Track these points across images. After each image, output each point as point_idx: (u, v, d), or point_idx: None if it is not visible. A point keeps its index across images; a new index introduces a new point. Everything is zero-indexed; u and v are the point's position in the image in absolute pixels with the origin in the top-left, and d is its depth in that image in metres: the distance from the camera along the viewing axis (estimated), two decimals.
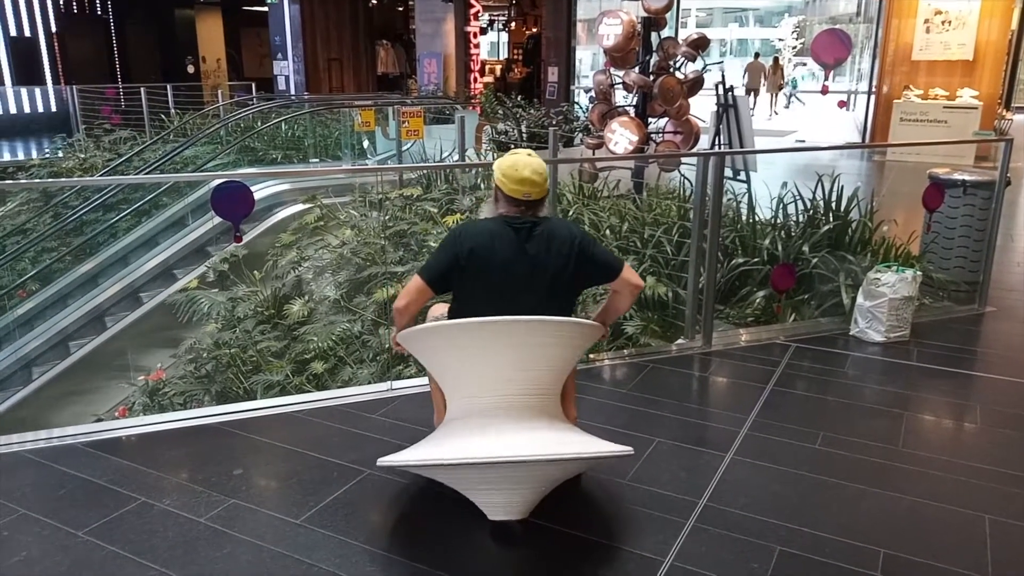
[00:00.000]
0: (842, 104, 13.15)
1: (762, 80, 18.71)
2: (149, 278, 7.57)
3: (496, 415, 2.31)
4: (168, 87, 12.89)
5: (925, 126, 11.14)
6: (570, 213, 5.43)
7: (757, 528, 2.49)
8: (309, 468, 2.82)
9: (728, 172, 7.30)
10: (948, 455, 3.01)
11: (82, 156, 10.16)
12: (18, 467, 2.83)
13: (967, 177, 4.91)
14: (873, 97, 12.18)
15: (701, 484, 2.74)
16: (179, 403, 4.83)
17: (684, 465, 2.89)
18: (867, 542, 2.42)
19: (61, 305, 7.54)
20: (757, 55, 20.28)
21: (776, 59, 20.10)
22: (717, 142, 7.47)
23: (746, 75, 18.32)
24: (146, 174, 8.50)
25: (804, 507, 2.61)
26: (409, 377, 3.95)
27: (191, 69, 18.75)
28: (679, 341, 4.19)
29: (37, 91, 16.35)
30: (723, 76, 7.43)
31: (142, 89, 11.94)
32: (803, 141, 13.06)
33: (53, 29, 16.83)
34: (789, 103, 19.91)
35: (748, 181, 6.77)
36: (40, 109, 16.40)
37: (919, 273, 4.31)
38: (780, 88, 19.60)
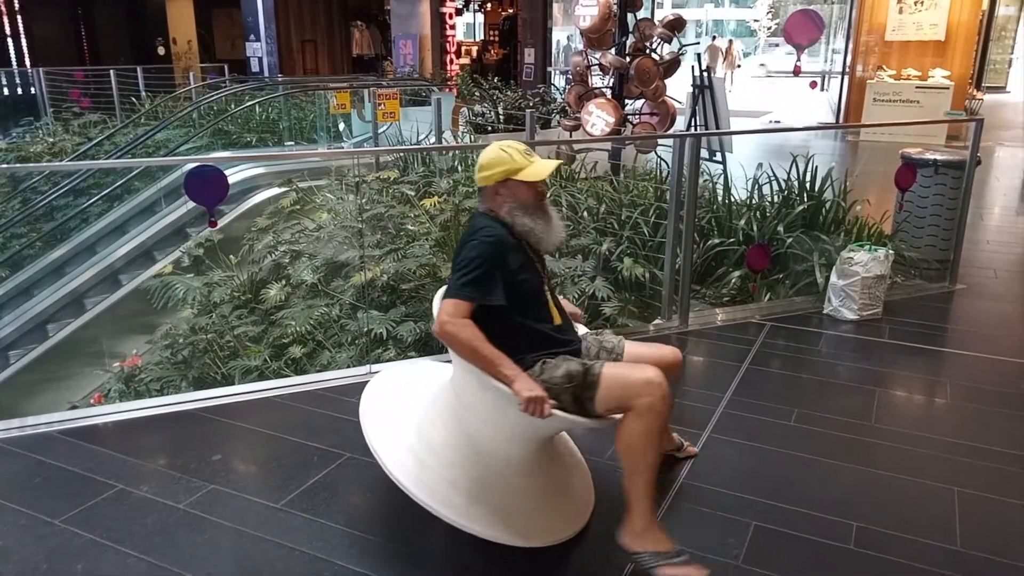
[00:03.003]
0: (813, 85, 13.25)
1: (720, 61, 19.68)
2: (128, 260, 7.47)
3: None
4: (138, 69, 12.63)
5: (898, 106, 11.25)
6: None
7: (733, 504, 2.53)
8: (289, 452, 2.82)
9: (704, 153, 7.35)
10: (919, 430, 3.07)
11: (51, 140, 9.96)
12: None
13: (938, 157, 4.98)
14: (847, 78, 12.27)
15: (678, 462, 2.77)
16: (156, 389, 4.78)
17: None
18: (840, 516, 2.47)
19: (34, 291, 7.42)
20: (715, 37, 21.37)
21: (731, 41, 21.26)
22: (693, 123, 7.50)
23: (706, 55, 18.87)
24: (117, 158, 8.36)
25: (779, 483, 2.66)
26: (388, 360, 3.94)
27: (161, 51, 18.40)
28: (656, 321, 4.22)
29: (2, 73, 15.96)
30: (699, 57, 7.45)
31: (111, 71, 11.72)
32: (778, 122, 13.13)
33: (17, 8, 16.42)
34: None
35: (724, 162, 6.82)
36: (5, 92, 16.01)
37: (891, 252, 4.38)
38: (735, 68, 21.28)
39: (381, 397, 2.52)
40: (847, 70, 12.25)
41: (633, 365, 2.19)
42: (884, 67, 11.67)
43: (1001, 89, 20.54)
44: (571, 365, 2.15)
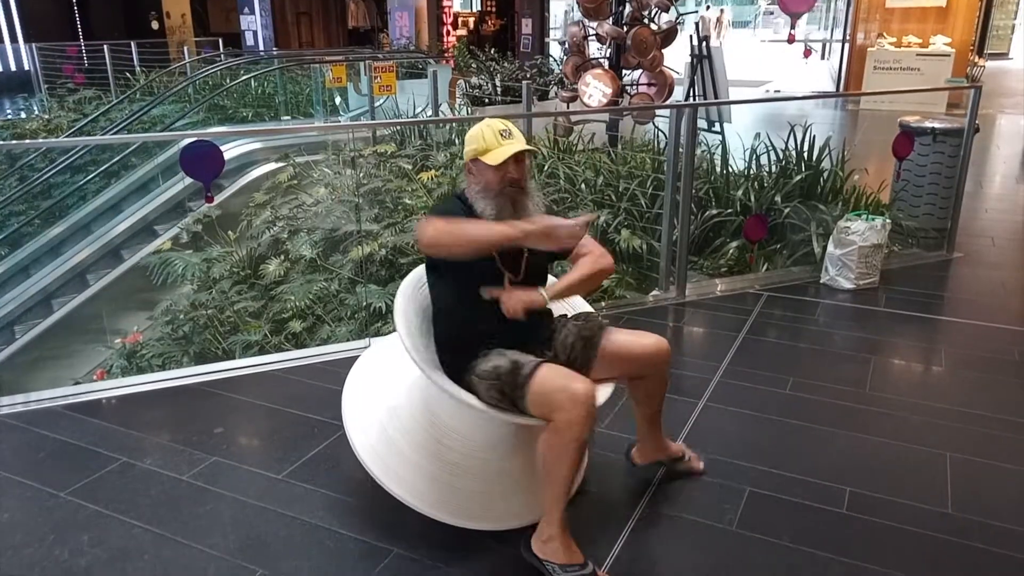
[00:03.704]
0: (807, 53, 13.13)
1: (712, 29, 19.68)
2: (130, 235, 7.49)
3: None
4: (132, 44, 12.53)
5: (898, 74, 11.18)
6: (545, 167, 5.42)
7: (728, 470, 2.57)
8: (290, 425, 2.86)
9: (703, 123, 7.32)
10: (913, 397, 3.11)
11: (46, 117, 9.91)
12: None
13: (936, 125, 4.95)
14: (847, 45, 12.16)
15: (675, 430, 2.80)
16: (157, 365, 4.82)
17: None
18: (834, 481, 2.51)
19: (33, 269, 7.43)
20: (708, 7, 21.25)
21: (722, 10, 21.36)
22: (692, 93, 7.46)
23: (699, 24, 18.90)
24: (113, 134, 8.32)
25: (774, 449, 2.70)
26: (388, 334, 3.97)
27: (155, 25, 18.18)
28: (654, 292, 4.24)
29: None
30: (697, 27, 7.39)
31: (105, 47, 11.61)
32: (779, 91, 13.04)
33: None
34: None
35: (722, 132, 6.80)
36: None
37: (888, 221, 4.38)
38: (722, 37, 21.07)
39: (364, 374, 2.50)
40: (847, 38, 12.15)
41: (568, 375, 1.99)
42: (885, 34, 11.57)
43: (1004, 55, 20.35)
44: (503, 361, 2.06)
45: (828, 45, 16.29)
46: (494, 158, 2.08)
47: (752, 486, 2.48)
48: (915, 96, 10.56)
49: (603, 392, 2.16)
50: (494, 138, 2.10)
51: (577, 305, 2.53)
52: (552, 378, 1.98)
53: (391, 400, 2.35)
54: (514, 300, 2.05)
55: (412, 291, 2.36)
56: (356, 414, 2.37)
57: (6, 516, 2.34)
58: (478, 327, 2.15)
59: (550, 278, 2.33)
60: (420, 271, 2.36)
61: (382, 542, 2.20)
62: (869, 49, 11.50)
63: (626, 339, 2.25)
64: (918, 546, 2.21)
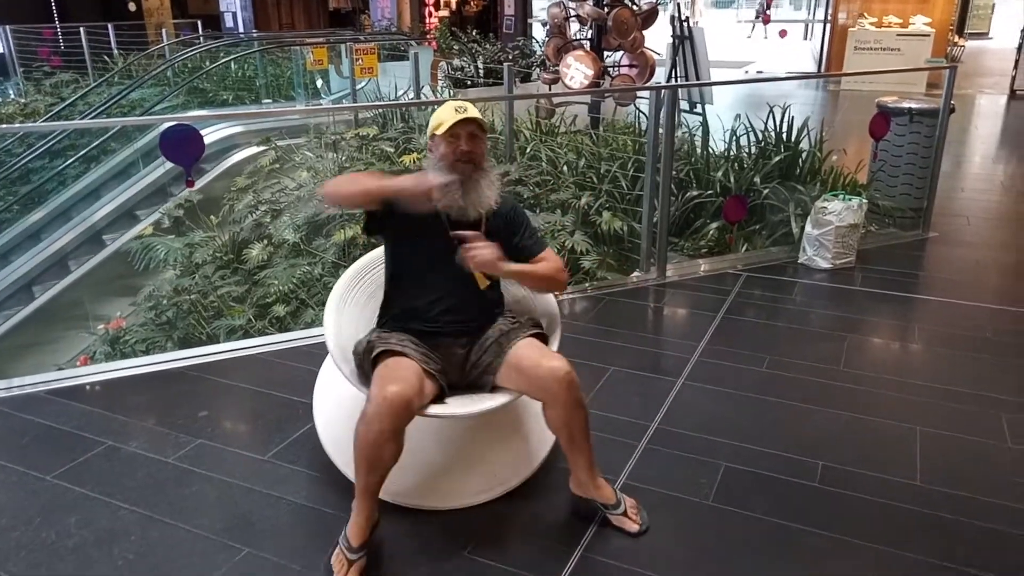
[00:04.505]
0: (783, 33, 13.18)
1: (687, 9, 19.89)
2: (111, 220, 7.43)
3: None
4: (109, 26, 12.34)
5: (879, 54, 11.24)
6: (528, 150, 5.44)
7: (705, 447, 2.63)
8: (274, 407, 2.89)
9: (684, 104, 7.34)
10: (886, 373, 3.18)
11: (23, 101, 9.77)
12: None
13: (913, 105, 5.02)
14: (828, 26, 12.21)
15: (653, 408, 2.87)
16: (141, 350, 4.81)
17: (637, 391, 3.02)
18: (807, 455, 2.58)
19: (12, 256, 7.37)
20: None
21: None
22: (674, 75, 7.48)
23: (679, 5, 18.92)
24: (92, 119, 8.23)
25: (749, 426, 2.76)
26: None
27: (132, 7, 17.89)
28: (635, 274, 4.29)
29: None
30: (679, 8, 7.39)
31: (82, 29, 11.45)
32: (760, 72, 13.08)
33: None
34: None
35: (703, 113, 6.83)
36: None
37: (865, 201, 4.44)
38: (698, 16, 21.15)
39: (331, 367, 2.51)
40: (829, 18, 12.19)
41: (395, 375, 2.00)
42: (865, 14, 11.62)
43: (984, 35, 20.49)
44: (370, 339, 2.18)
45: (810, 26, 16.32)
46: (442, 128, 2.13)
47: (728, 461, 2.55)
48: (895, 76, 10.64)
49: (491, 401, 2.13)
50: (450, 113, 2.13)
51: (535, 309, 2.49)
52: (382, 370, 2.04)
53: (347, 392, 2.35)
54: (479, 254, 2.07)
55: (349, 286, 2.51)
56: (322, 406, 2.46)
57: None
58: (411, 302, 2.23)
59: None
60: (361, 263, 2.50)
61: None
62: (850, 29, 11.55)
63: (527, 353, 2.12)
64: (888, 516, 2.28)
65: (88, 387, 3.09)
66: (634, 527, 2.17)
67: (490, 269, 2.12)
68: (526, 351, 2.13)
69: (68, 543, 2.17)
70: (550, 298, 2.51)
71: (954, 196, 5.94)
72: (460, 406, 2.13)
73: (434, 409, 2.08)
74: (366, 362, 2.14)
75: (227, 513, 2.29)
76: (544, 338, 2.26)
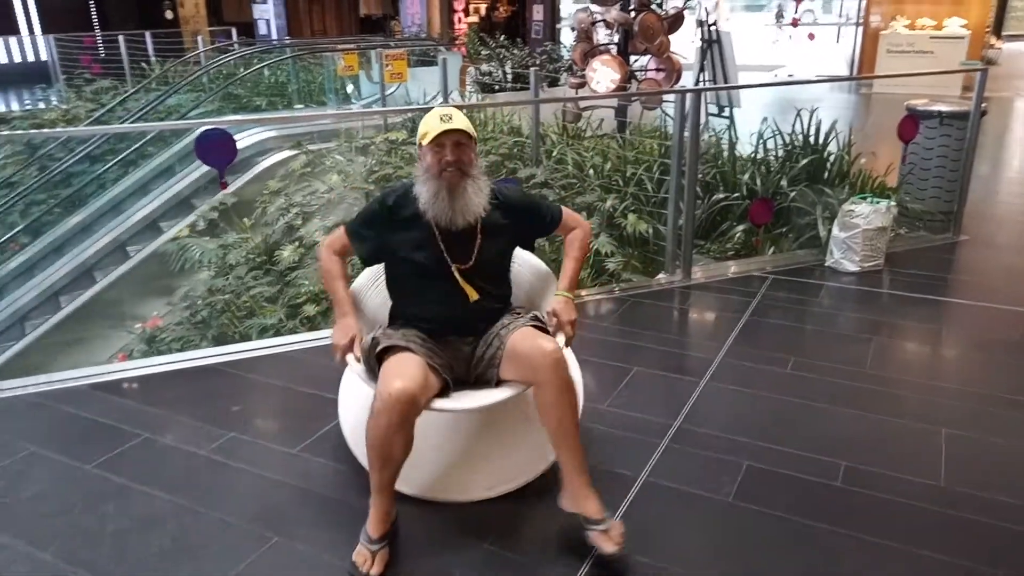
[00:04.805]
0: (811, 36, 13.08)
1: (713, 13, 19.48)
2: (135, 231, 7.62)
3: None
4: (147, 34, 12.65)
5: (912, 57, 11.11)
6: (554, 153, 5.48)
7: (727, 446, 2.65)
8: (304, 403, 2.96)
9: (712, 108, 7.34)
10: (912, 375, 3.17)
11: (64, 107, 10.06)
12: (26, 409, 2.96)
13: (944, 108, 4.97)
14: (860, 28, 12.09)
15: (676, 408, 2.89)
16: (176, 348, 4.94)
17: (660, 391, 3.04)
18: (829, 455, 2.59)
19: (54, 257, 7.59)
20: None
21: None
22: (701, 79, 7.48)
23: (706, 9, 18.70)
24: (131, 124, 8.45)
25: (772, 426, 2.77)
26: None
27: (169, 15, 18.30)
28: (660, 276, 4.31)
29: (13, 41, 16.00)
30: (706, 12, 7.40)
31: (120, 37, 11.75)
32: (791, 75, 12.97)
33: None
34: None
35: (731, 117, 6.83)
36: (16, 59, 16.07)
37: (893, 204, 4.42)
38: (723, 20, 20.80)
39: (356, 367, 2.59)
40: (861, 20, 12.06)
41: (399, 371, 2.04)
42: (898, 17, 11.48)
43: (1023, 37, 20.06)
44: (376, 335, 2.25)
45: (841, 29, 16.14)
46: (428, 138, 2.16)
47: (750, 460, 2.56)
48: (930, 79, 10.49)
49: (496, 395, 2.17)
50: (435, 122, 2.15)
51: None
52: (387, 367, 2.09)
53: (369, 390, 2.41)
54: (566, 323, 2.26)
55: (363, 290, 2.57)
56: (347, 403, 2.54)
57: (37, 487, 2.46)
58: (411, 309, 2.31)
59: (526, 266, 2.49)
60: (371, 270, 2.56)
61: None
62: (882, 32, 11.42)
63: (520, 337, 2.14)
64: (909, 516, 2.29)
65: (126, 382, 3.19)
66: (611, 548, 2.02)
67: (575, 319, 2.27)
68: (519, 336, 2.15)
69: (107, 529, 2.26)
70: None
71: (987, 199, 5.86)
72: (465, 401, 2.18)
73: (439, 403, 2.13)
74: (371, 358, 2.20)
75: (258, 503, 2.37)
76: (544, 330, 2.24)
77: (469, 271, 2.25)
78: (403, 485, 2.19)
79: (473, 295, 2.26)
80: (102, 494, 2.42)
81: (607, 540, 2.03)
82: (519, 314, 2.32)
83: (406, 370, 2.06)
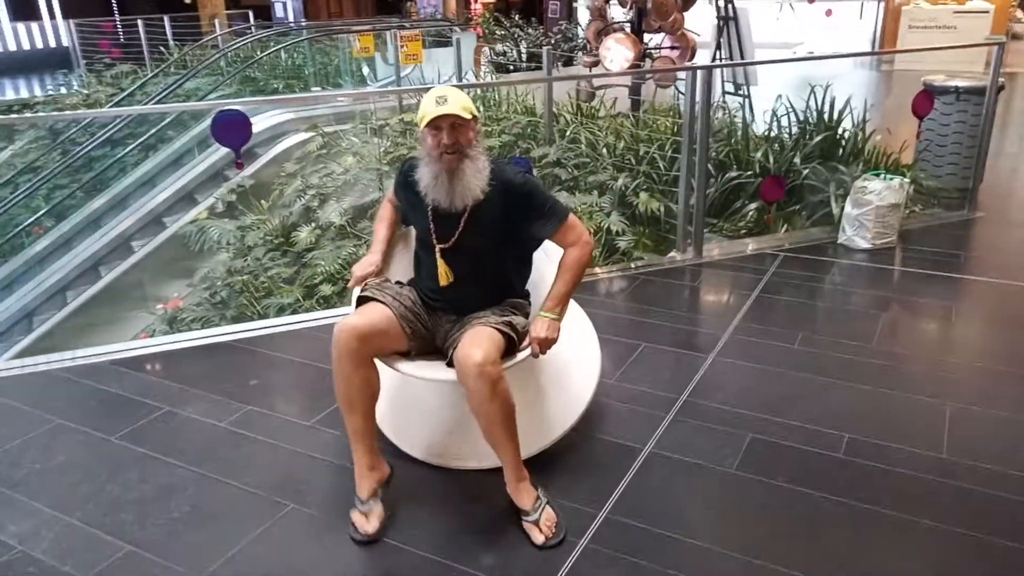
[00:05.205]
0: (829, 13, 12.89)
1: None
2: (171, 203, 7.78)
3: None
4: (165, 18, 12.76)
5: (934, 32, 10.94)
6: (568, 132, 5.50)
7: (732, 419, 2.69)
8: (319, 378, 3.04)
9: (729, 87, 7.30)
10: (920, 351, 3.19)
11: (85, 92, 10.20)
12: (52, 383, 3.07)
13: (960, 84, 4.92)
14: (882, 3, 11.90)
15: (682, 382, 2.93)
16: (197, 328, 5.06)
17: (668, 366, 3.09)
18: (833, 428, 2.62)
19: (80, 238, 7.75)
20: None
21: None
22: (718, 56, 7.44)
23: None
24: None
25: (777, 400, 2.81)
26: None
27: None
28: (671, 254, 4.33)
29: (35, 27, 16.19)
30: None
31: (139, 22, 11.85)
32: (811, 52, 12.79)
33: None
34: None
35: (748, 95, 6.79)
36: (38, 45, 16.27)
37: (906, 180, 4.40)
38: None
39: None
40: None
41: (362, 310, 2.21)
42: None
43: None
44: (376, 284, 2.35)
45: (863, 5, 15.88)
46: (424, 121, 2.14)
47: (754, 432, 2.61)
48: (953, 55, 10.30)
49: (443, 374, 2.21)
50: (430, 104, 2.12)
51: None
52: (352, 309, 2.28)
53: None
54: (534, 341, 2.18)
55: None
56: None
57: (64, 457, 2.56)
58: (417, 272, 2.45)
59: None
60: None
61: (407, 480, 2.38)
62: (904, 8, 11.24)
63: (468, 336, 2.13)
64: (909, 486, 2.32)
65: (147, 358, 3.29)
66: (540, 538, 2.07)
67: (554, 339, 2.19)
68: (467, 336, 2.12)
69: (130, 496, 2.35)
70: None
71: (1005, 176, 5.80)
72: (421, 369, 2.25)
73: (400, 365, 2.23)
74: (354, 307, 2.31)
75: (274, 473, 2.45)
76: (511, 336, 2.18)
77: (449, 251, 2.25)
78: (406, 446, 2.38)
79: (444, 279, 2.26)
80: (125, 463, 2.52)
81: (536, 530, 2.10)
82: (503, 311, 2.28)
83: (364, 312, 2.19)
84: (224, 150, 7.52)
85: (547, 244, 2.34)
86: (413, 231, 2.49)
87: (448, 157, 2.15)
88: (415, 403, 2.59)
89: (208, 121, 7.51)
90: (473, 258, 2.27)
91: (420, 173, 2.23)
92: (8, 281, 7.46)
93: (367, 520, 2.14)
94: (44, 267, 7.58)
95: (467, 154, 2.17)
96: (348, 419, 2.17)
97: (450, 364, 2.20)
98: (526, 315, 2.36)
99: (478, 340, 2.08)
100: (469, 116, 2.16)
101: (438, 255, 2.26)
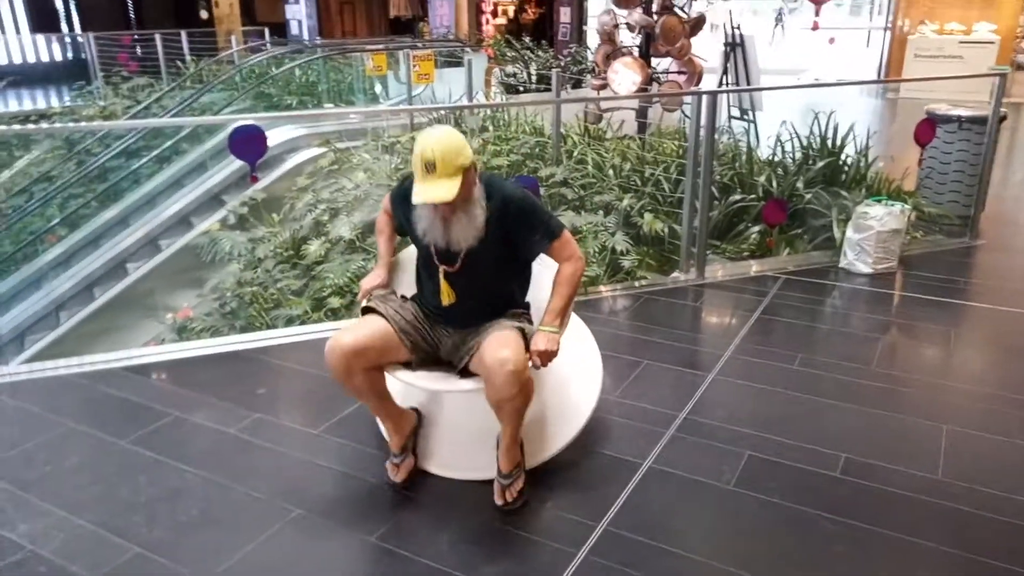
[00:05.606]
0: (832, 41, 13.02)
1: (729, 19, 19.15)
2: (167, 226, 7.87)
3: None
4: (182, 33, 12.96)
5: (940, 62, 11.03)
6: (575, 153, 5.59)
7: (730, 437, 2.74)
8: (326, 387, 3.08)
9: (735, 112, 7.39)
10: (918, 374, 3.23)
11: (102, 104, 10.35)
12: (64, 388, 3.14)
13: (963, 112, 5.00)
14: (889, 33, 12.02)
15: (683, 399, 2.98)
16: (206, 337, 5.13)
17: (669, 383, 3.14)
18: (830, 448, 2.67)
19: (90, 249, 7.86)
20: None
21: None
22: (724, 81, 7.54)
23: (730, 12, 18.45)
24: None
25: (775, 419, 2.86)
26: None
27: (204, 15, 18.69)
28: (674, 274, 4.39)
29: (54, 39, 16.45)
30: (730, 15, 7.45)
31: (157, 36, 12.04)
32: (817, 79, 12.91)
33: None
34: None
35: (753, 121, 6.88)
36: (57, 57, 16.52)
37: (908, 207, 4.46)
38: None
39: None
40: (889, 25, 12.00)
41: (356, 325, 2.29)
42: (927, 21, 11.40)
43: None
44: (380, 296, 2.45)
45: (870, 33, 16.02)
46: (414, 196, 2.13)
47: (751, 450, 2.65)
48: (959, 85, 10.38)
49: (454, 384, 2.32)
50: (419, 171, 2.10)
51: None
52: (355, 321, 2.41)
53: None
54: (534, 354, 2.23)
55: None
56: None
57: (75, 460, 2.63)
58: (419, 286, 2.51)
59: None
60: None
61: (409, 491, 2.44)
62: (910, 37, 11.35)
63: (489, 340, 2.21)
64: (904, 506, 2.36)
65: (158, 365, 3.36)
66: (499, 500, 2.32)
67: (555, 352, 2.23)
68: (490, 340, 2.20)
69: (139, 499, 2.41)
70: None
71: (1006, 205, 5.86)
72: (426, 380, 2.34)
73: (400, 374, 2.32)
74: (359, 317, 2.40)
75: (281, 479, 2.51)
76: (524, 337, 2.26)
77: (454, 274, 2.30)
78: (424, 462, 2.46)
79: (447, 299, 2.33)
80: (135, 467, 2.57)
81: (500, 493, 2.33)
82: (514, 317, 2.36)
83: (360, 327, 2.29)
84: (226, 171, 7.74)
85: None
86: (414, 249, 2.54)
87: (443, 208, 2.16)
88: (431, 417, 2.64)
89: (223, 135, 7.63)
90: (476, 277, 2.32)
91: (418, 214, 2.25)
92: (36, 277, 7.60)
93: (397, 470, 2.44)
94: (70, 265, 7.70)
95: (461, 209, 2.18)
96: (363, 402, 2.43)
97: (463, 373, 2.29)
98: (530, 322, 2.43)
99: (505, 342, 2.17)
100: (457, 188, 2.09)
101: (441, 276, 2.32)
